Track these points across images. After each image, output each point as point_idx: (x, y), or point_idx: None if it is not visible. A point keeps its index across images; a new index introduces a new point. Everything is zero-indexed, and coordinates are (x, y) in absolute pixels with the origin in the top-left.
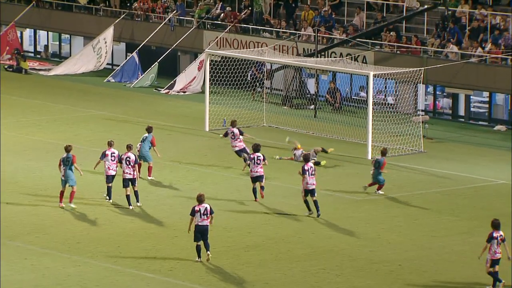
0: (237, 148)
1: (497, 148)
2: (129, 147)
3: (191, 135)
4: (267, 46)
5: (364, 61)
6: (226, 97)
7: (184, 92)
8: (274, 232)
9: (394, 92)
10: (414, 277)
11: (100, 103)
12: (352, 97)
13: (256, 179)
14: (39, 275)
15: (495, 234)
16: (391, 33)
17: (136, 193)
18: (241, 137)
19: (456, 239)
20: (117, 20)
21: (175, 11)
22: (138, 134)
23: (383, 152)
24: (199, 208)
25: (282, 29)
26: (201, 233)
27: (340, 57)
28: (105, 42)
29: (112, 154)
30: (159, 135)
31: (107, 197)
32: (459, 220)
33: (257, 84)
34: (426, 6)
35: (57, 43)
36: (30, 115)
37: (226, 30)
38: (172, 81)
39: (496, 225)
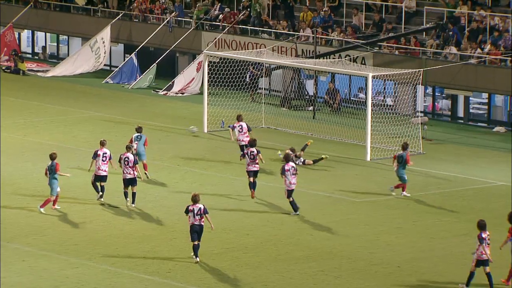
0: (243, 143)
1: (496, 150)
2: (128, 148)
3: (190, 136)
4: (265, 47)
5: (363, 62)
6: (225, 99)
7: (183, 93)
8: (272, 233)
9: (393, 94)
10: (413, 279)
11: (98, 105)
12: (351, 98)
13: (251, 173)
14: (37, 277)
15: (483, 235)
16: (390, 34)
17: (133, 194)
18: (247, 132)
19: (455, 241)
20: (114, 20)
21: (173, 12)
22: None
23: (404, 147)
24: (193, 208)
25: (282, 29)
26: (197, 233)
27: (339, 58)
28: (103, 42)
29: (104, 154)
30: (157, 137)
31: (100, 195)
32: (458, 221)
33: (257, 85)
34: (429, 25)
35: (55, 44)
36: (27, 116)
37: (224, 31)
38: (171, 82)
39: (482, 226)
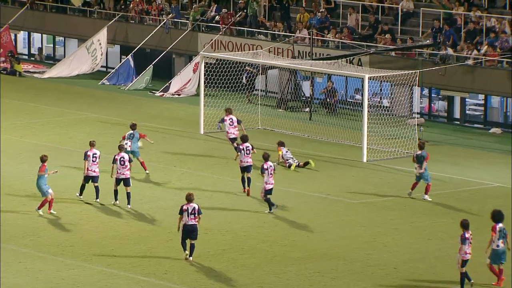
0: (232, 136)
1: (492, 151)
2: (121, 148)
3: (186, 137)
4: (262, 49)
5: (360, 63)
6: (221, 100)
7: (179, 94)
8: (269, 235)
9: (390, 95)
10: (410, 281)
11: (95, 106)
12: (348, 99)
13: (244, 169)
14: (33, 278)
15: (466, 235)
16: (386, 36)
17: (128, 194)
18: (238, 125)
19: (452, 242)
20: (111, 22)
21: (170, 14)
22: None
23: (421, 146)
24: (187, 207)
25: (279, 31)
26: (188, 233)
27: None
28: (100, 44)
29: (94, 155)
30: (154, 138)
31: (79, 194)
32: (454, 223)
33: (253, 86)
34: (426, 42)
35: (51, 45)
36: (24, 117)
37: (220, 33)
38: (167, 84)
39: (466, 225)
